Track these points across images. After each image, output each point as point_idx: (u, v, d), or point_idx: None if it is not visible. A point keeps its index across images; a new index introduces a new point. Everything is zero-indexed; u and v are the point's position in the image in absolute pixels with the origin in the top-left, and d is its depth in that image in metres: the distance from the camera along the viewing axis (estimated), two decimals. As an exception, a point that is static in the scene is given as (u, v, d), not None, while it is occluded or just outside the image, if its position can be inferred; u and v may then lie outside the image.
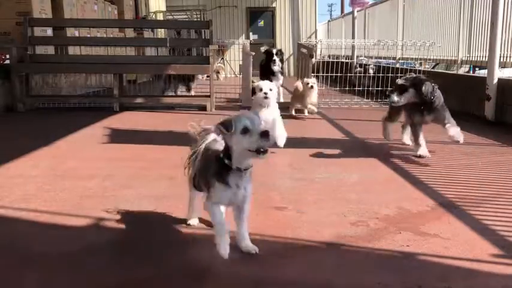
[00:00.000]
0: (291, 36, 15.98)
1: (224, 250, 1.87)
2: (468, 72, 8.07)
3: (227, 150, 1.85)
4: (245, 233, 2.00)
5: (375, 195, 2.83)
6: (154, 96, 7.77)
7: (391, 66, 8.06)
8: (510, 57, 5.63)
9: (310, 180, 3.16)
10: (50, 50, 7.39)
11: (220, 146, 1.94)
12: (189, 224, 2.30)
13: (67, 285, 1.81)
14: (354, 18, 11.79)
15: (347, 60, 9.82)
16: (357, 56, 10.80)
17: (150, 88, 8.74)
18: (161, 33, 12.29)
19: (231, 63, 12.86)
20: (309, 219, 2.43)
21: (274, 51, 6.88)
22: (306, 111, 5.91)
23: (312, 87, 5.59)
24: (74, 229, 2.33)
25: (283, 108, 5.08)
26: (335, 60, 8.49)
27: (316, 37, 15.77)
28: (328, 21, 17.62)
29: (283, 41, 16.05)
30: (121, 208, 2.57)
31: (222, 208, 1.92)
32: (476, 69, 7.79)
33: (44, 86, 7.35)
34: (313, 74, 6.60)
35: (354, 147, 4.25)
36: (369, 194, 2.84)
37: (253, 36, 15.84)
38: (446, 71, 9.00)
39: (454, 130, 3.64)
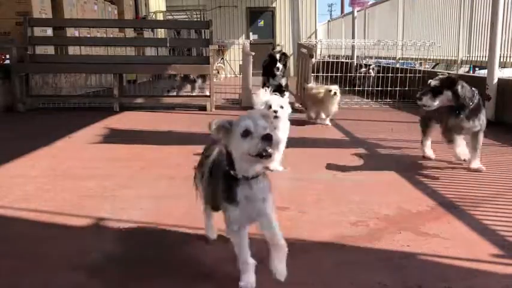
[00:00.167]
0: (291, 36, 15.96)
1: (246, 285, 1.68)
2: (468, 72, 8.05)
3: (229, 156, 1.62)
4: (279, 258, 1.69)
5: (375, 195, 2.83)
6: (155, 96, 7.81)
7: (391, 66, 8.07)
8: (510, 57, 5.64)
9: (310, 180, 3.16)
10: (50, 50, 7.40)
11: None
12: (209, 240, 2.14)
13: (67, 285, 1.81)
14: (354, 18, 11.81)
15: (347, 60, 9.82)
16: (357, 56, 10.81)
17: (150, 88, 8.74)
18: (161, 33, 12.31)
19: (231, 63, 12.86)
20: (309, 219, 2.43)
21: (278, 56, 6.50)
22: (327, 120, 5.45)
23: (335, 93, 5.21)
24: (74, 229, 2.33)
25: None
26: (335, 60, 8.49)
27: (316, 37, 15.77)
28: (328, 21, 17.64)
29: (283, 41, 16.04)
30: (121, 208, 2.57)
31: (245, 231, 1.68)
32: (476, 69, 7.77)
33: (44, 86, 7.36)
34: (313, 74, 6.57)
35: (354, 148, 4.25)
36: (369, 194, 2.84)
37: (253, 36, 15.82)
38: (446, 71, 9.00)
39: (474, 163, 3.29)
